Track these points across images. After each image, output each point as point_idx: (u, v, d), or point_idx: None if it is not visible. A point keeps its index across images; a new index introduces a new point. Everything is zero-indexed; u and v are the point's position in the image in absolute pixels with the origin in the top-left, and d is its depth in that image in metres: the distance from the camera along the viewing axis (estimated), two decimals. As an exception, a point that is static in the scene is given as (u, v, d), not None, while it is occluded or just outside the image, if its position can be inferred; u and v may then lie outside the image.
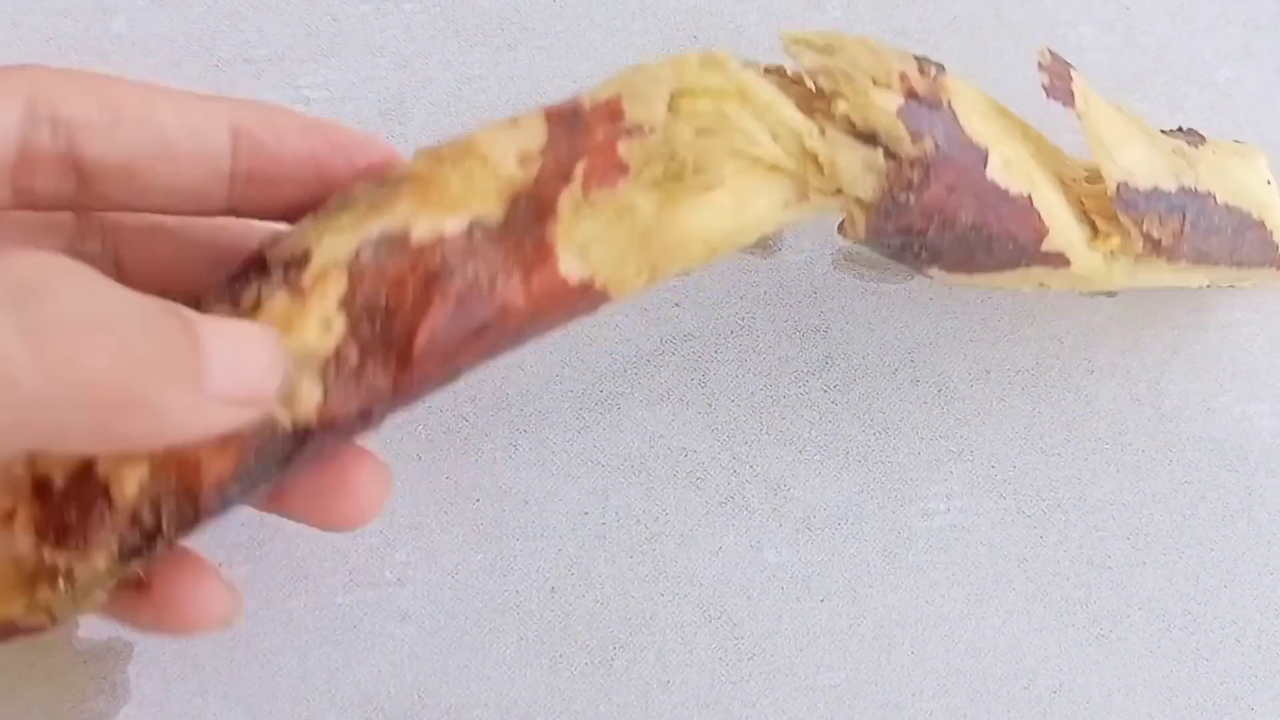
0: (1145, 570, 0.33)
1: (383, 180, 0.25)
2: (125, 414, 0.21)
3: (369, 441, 0.27)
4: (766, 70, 0.27)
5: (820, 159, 0.26)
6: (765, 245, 0.35)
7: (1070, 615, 0.33)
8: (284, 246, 0.25)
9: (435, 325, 0.24)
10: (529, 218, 0.25)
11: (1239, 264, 0.32)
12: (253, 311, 0.24)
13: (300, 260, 0.24)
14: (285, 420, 0.24)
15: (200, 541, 0.32)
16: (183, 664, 0.31)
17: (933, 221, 0.27)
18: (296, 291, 0.24)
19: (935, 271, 0.29)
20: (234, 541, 0.32)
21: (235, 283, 0.25)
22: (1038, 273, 0.29)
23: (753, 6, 0.35)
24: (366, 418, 0.24)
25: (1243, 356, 0.34)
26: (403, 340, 0.24)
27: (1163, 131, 0.32)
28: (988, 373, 0.34)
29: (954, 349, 0.34)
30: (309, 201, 0.26)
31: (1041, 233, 0.28)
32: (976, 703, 0.32)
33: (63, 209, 0.26)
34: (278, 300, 0.24)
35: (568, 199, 0.25)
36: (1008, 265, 0.29)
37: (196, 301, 0.25)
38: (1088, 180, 0.30)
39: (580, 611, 0.32)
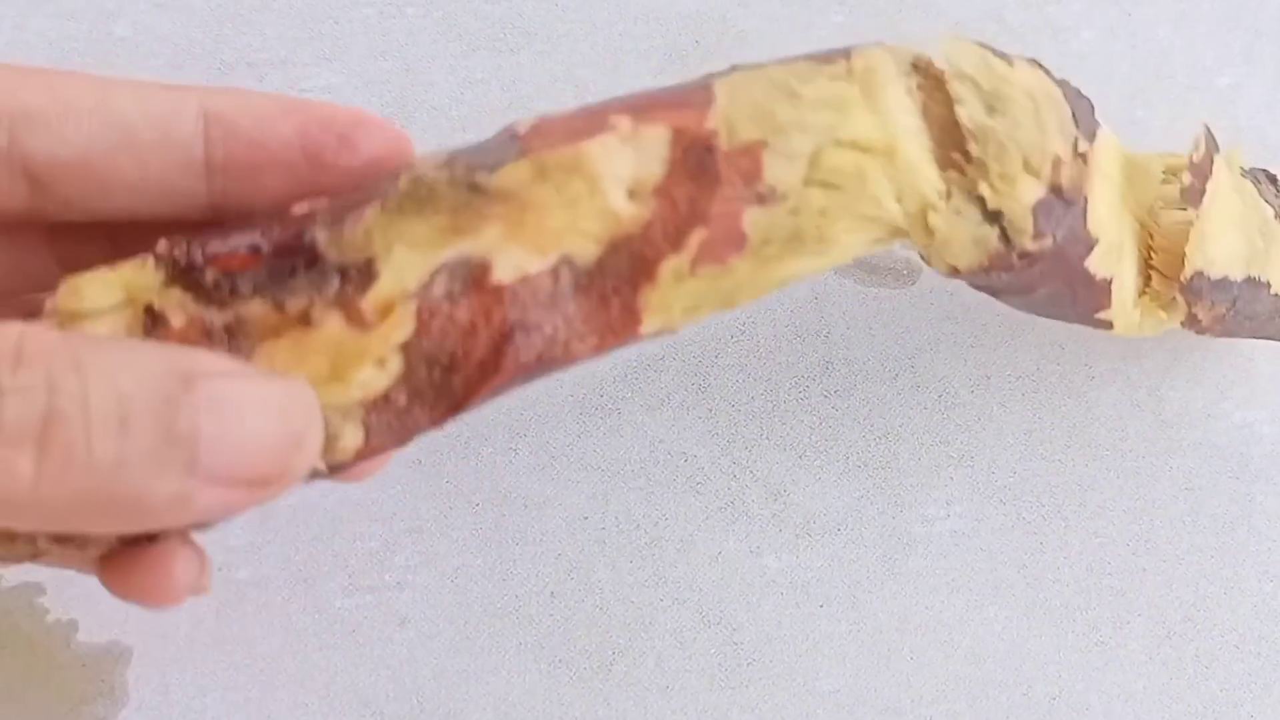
0: (1145, 577, 0.33)
1: (472, 186, 0.22)
2: (85, 516, 0.19)
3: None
4: (915, 65, 0.25)
5: (935, 233, 0.24)
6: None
7: (1070, 621, 0.33)
8: (344, 242, 0.22)
9: (498, 386, 0.22)
10: (624, 273, 0.22)
11: (1256, 337, 0.32)
12: (300, 325, 0.22)
13: (363, 272, 0.22)
14: (321, 466, 0.22)
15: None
16: (181, 668, 0.31)
17: (1012, 290, 0.26)
18: (355, 319, 0.22)
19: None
20: (233, 545, 0.32)
21: (278, 269, 0.22)
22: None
23: (754, 12, 0.35)
24: (400, 445, 0.23)
25: (1243, 363, 0.34)
26: (459, 394, 0.22)
27: (1255, 178, 0.30)
28: (988, 378, 0.34)
29: (954, 354, 0.34)
30: (306, 192, 0.24)
31: (1103, 307, 0.27)
32: (976, 709, 0.32)
33: (19, 219, 0.23)
34: (330, 324, 0.22)
35: (671, 269, 0.22)
36: (1056, 319, 0.28)
37: (234, 284, 0.22)
38: (1165, 177, 0.28)
39: (580, 616, 0.32)
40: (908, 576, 0.33)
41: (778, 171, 0.23)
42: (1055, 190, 0.24)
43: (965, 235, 0.24)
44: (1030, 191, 0.24)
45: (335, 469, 0.22)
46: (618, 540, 0.33)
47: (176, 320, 0.22)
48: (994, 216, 0.24)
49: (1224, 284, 0.28)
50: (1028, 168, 0.24)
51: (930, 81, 0.25)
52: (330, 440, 0.22)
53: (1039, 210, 0.24)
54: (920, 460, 0.34)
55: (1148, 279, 0.28)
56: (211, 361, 0.20)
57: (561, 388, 0.33)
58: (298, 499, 0.32)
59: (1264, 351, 0.34)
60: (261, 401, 0.20)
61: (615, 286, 0.22)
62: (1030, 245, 0.24)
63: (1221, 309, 0.29)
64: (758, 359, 0.34)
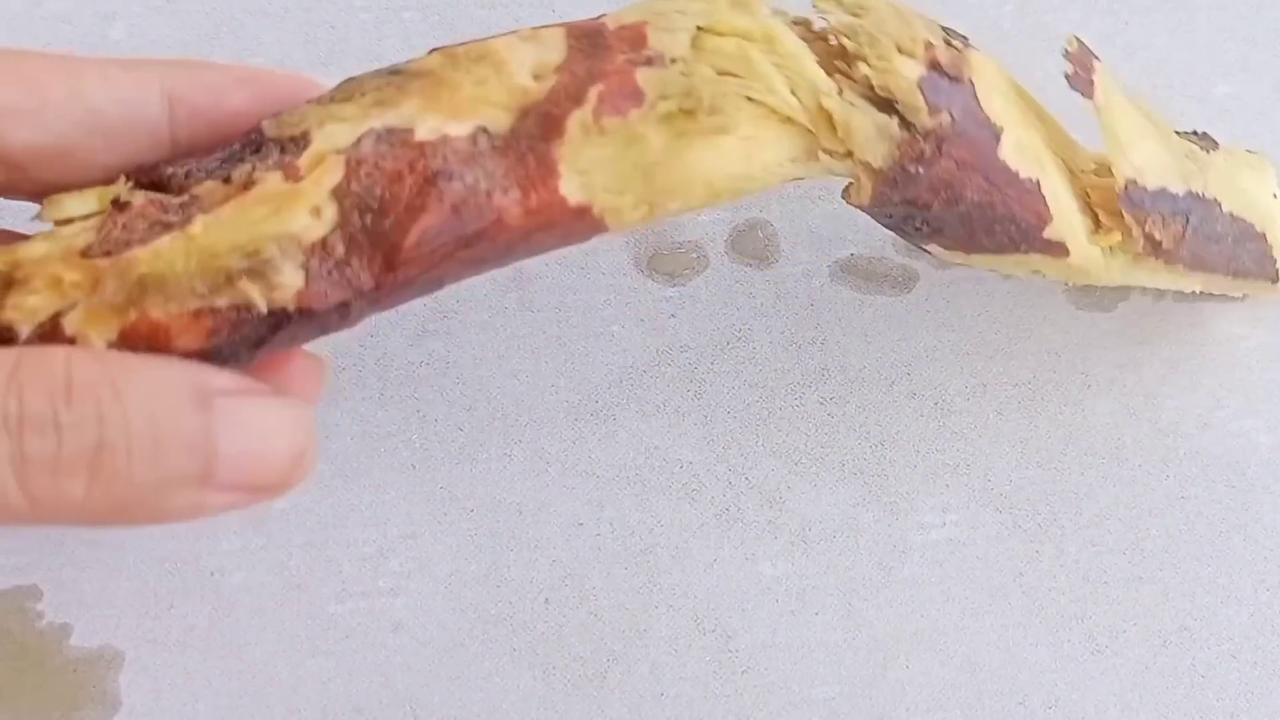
0: (1141, 585, 0.33)
1: (393, 71, 0.25)
2: (116, 519, 0.22)
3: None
4: (795, 22, 0.27)
5: (835, 119, 0.26)
6: (762, 255, 0.35)
7: (1066, 630, 0.33)
8: (284, 125, 0.25)
9: (427, 228, 0.24)
10: (536, 133, 0.24)
11: (1235, 274, 0.32)
12: (242, 189, 0.24)
13: (298, 141, 0.24)
14: (261, 303, 0.23)
15: (191, 550, 0.32)
16: (173, 673, 0.31)
17: (939, 196, 0.27)
18: (291, 174, 0.24)
19: (934, 247, 0.29)
20: (226, 550, 0.32)
21: (229, 157, 0.25)
22: (1035, 259, 0.29)
23: (752, 18, 0.35)
24: (344, 312, 0.24)
25: (1239, 371, 0.34)
26: (392, 239, 0.24)
27: (1177, 133, 0.32)
28: (985, 386, 0.34)
29: (951, 362, 0.34)
30: None
31: (1044, 219, 0.28)
32: (971, 717, 0.32)
33: None
34: (270, 181, 0.24)
35: (578, 121, 0.24)
36: (1007, 248, 0.28)
37: (189, 172, 0.25)
38: (1096, 173, 0.29)
39: (574, 623, 0.32)
40: (903, 584, 0.33)
41: (663, 41, 0.25)
42: (934, 66, 0.26)
43: (867, 125, 0.26)
44: (910, 68, 0.26)
45: (279, 315, 0.24)
46: (612, 547, 0.33)
47: (137, 201, 0.24)
48: (887, 105, 0.26)
49: (1164, 196, 0.29)
50: (902, 50, 0.26)
51: (809, 33, 0.27)
52: (270, 271, 0.23)
53: (925, 86, 0.26)
54: (916, 468, 0.33)
55: (1097, 222, 0.29)
56: (222, 379, 0.23)
57: (556, 393, 0.33)
58: (291, 504, 0.32)
59: (1260, 359, 0.34)
60: (274, 422, 0.23)
61: (530, 145, 0.24)
62: (928, 121, 0.26)
63: (1176, 226, 0.29)
64: (754, 366, 0.34)
